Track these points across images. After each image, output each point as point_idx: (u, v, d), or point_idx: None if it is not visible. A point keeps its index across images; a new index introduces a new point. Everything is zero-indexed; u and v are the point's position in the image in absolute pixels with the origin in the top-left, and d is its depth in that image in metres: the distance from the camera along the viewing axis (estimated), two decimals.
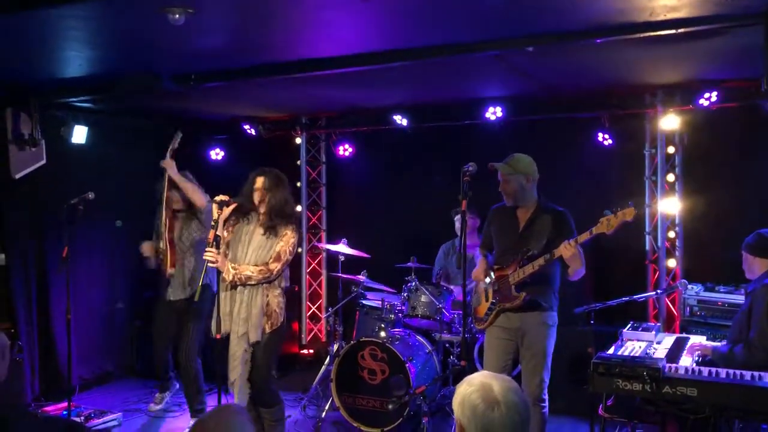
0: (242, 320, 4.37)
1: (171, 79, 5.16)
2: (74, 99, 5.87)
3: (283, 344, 4.97)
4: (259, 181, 4.44)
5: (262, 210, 4.45)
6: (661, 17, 3.74)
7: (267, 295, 4.40)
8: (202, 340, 5.61)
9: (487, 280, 4.46)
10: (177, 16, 3.42)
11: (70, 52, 4.57)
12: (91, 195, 5.26)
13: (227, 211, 4.43)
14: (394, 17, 3.86)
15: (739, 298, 4.88)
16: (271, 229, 4.40)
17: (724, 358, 3.80)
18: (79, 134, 6.20)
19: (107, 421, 5.50)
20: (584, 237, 4.02)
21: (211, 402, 5.81)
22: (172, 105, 6.68)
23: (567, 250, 4.03)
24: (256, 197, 4.43)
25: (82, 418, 5.45)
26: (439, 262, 6.43)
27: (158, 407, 5.90)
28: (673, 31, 3.85)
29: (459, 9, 3.68)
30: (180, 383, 5.85)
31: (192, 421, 5.49)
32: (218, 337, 4.45)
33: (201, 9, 3.51)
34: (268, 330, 4.40)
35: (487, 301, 4.50)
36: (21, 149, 5.73)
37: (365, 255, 6.11)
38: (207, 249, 4.38)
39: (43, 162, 5.85)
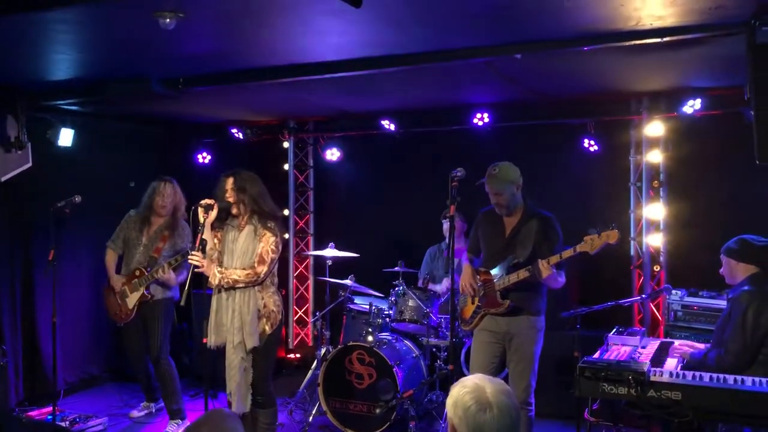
0: (236, 329, 4.32)
1: (159, 82, 5.16)
2: (62, 102, 5.84)
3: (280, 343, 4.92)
4: (229, 182, 4.42)
5: (235, 211, 4.43)
6: (647, 26, 3.80)
7: (262, 298, 4.39)
8: (169, 338, 5.57)
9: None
10: (168, 20, 3.42)
11: (59, 55, 4.55)
12: (77, 198, 5.25)
13: (213, 214, 4.41)
14: (383, 24, 3.88)
15: (723, 303, 4.93)
16: (253, 232, 4.39)
17: (699, 365, 3.84)
18: (66, 137, 6.15)
19: (92, 426, 5.48)
20: (567, 254, 4.08)
21: (197, 406, 5.81)
22: (160, 108, 6.66)
23: (545, 270, 4.08)
24: (228, 198, 4.41)
25: (67, 422, 5.42)
26: (425, 265, 6.46)
27: (140, 414, 5.87)
28: (658, 40, 3.91)
29: (448, 16, 3.71)
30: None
31: (173, 425, 5.46)
32: (205, 341, 4.44)
33: (191, 14, 3.52)
34: (268, 330, 4.38)
35: (473, 303, 4.53)
36: (7, 152, 5.69)
37: (353, 254, 6.11)
38: (192, 252, 4.36)
39: (29, 165, 5.81)
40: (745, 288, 3.88)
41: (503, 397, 2.03)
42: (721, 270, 4.12)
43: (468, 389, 2.05)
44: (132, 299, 5.41)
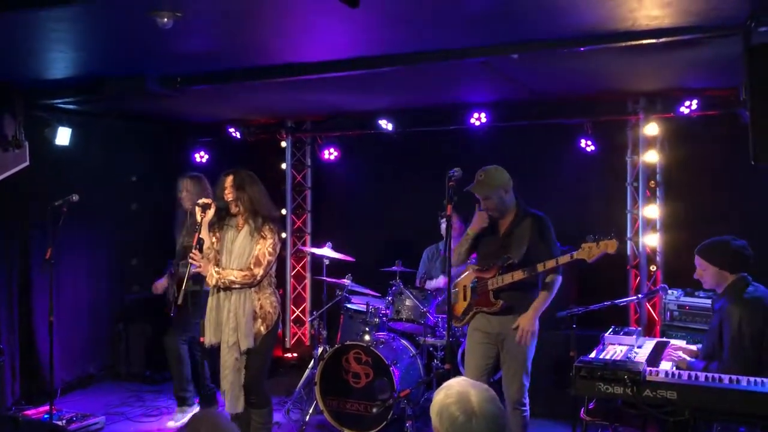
0: (231, 329, 4.32)
1: (157, 81, 5.16)
2: (59, 100, 5.85)
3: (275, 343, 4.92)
4: (228, 180, 4.43)
5: (234, 210, 4.43)
6: (643, 27, 3.81)
7: (258, 299, 4.38)
8: (190, 330, 5.58)
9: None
10: (165, 20, 3.42)
11: (56, 53, 4.55)
12: (75, 197, 5.25)
13: (210, 213, 4.42)
14: (381, 23, 3.89)
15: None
16: (250, 233, 4.39)
17: None
18: (63, 136, 6.14)
19: (89, 425, 5.47)
20: (564, 260, 4.08)
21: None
22: (157, 107, 6.66)
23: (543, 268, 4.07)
24: (228, 197, 4.41)
25: (64, 421, 5.41)
26: (423, 265, 6.47)
27: (177, 424, 5.66)
28: (654, 41, 3.92)
29: (445, 16, 3.72)
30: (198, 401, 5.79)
31: (178, 414, 5.44)
32: (202, 340, 4.45)
33: (189, 13, 3.52)
34: (263, 331, 4.37)
35: (465, 300, 4.53)
36: (4, 150, 5.68)
37: (350, 258, 6.13)
38: (191, 252, 4.38)
39: (27, 163, 5.80)
40: (732, 299, 3.78)
41: (488, 405, 2.03)
42: (697, 274, 3.98)
43: (453, 399, 2.03)
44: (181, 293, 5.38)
